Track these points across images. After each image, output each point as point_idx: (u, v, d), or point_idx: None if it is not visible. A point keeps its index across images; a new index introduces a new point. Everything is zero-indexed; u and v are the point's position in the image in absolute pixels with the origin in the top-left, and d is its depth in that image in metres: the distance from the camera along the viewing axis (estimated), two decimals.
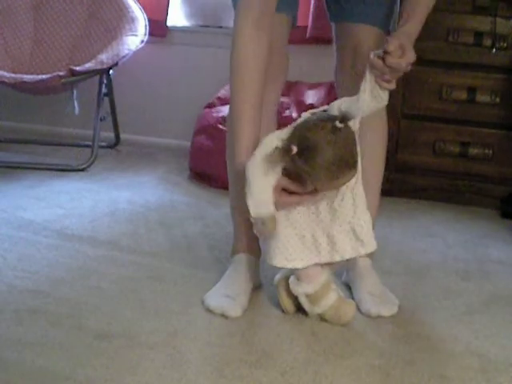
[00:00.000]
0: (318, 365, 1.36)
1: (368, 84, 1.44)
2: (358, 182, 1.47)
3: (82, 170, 2.71)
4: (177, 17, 3.18)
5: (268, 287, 1.69)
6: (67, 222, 2.12)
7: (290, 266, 1.50)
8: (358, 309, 1.60)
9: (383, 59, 1.41)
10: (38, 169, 2.69)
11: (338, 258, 1.50)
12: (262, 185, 1.40)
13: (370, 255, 1.75)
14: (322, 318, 1.54)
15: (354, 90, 1.59)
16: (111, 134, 3.07)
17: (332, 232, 1.48)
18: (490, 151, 2.53)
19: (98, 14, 2.99)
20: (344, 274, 1.77)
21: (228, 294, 1.59)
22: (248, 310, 1.58)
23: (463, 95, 2.50)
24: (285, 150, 1.38)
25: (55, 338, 1.41)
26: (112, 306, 1.57)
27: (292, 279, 1.54)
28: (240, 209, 1.66)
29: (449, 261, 2.01)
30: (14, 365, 1.30)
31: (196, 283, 1.71)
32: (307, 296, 1.52)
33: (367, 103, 1.44)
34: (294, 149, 1.37)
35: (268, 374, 1.31)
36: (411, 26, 1.52)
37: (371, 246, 1.52)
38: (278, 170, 1.41)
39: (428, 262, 1.99)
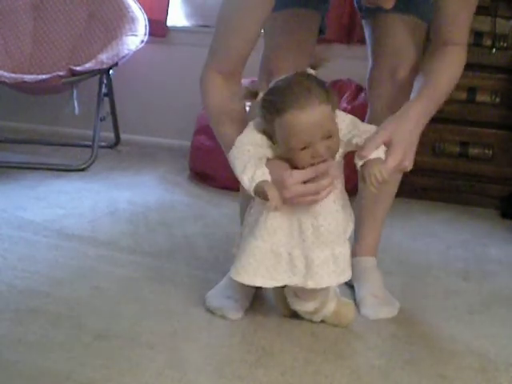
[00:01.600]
0: (318, 365, 1.36)
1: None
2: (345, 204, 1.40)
3: (82, 169, 2.71)
4: (177, 17, 3.18)
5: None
6: (67, 222, 2.12)
7: (258, 283, 1.41)
8: (358, 309, 1.60)
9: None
10: (38, 169, 2.69)
11: (311, 285, 1.38)
12: (250, 153, 1.34)
13: (375, 253, 1.75)
14: (322, 320, 1.54)
15: (394, 104, 1.52)
16: (111, 134, 3.07)
17: (312, 256, 1.38)
18: (490, 151, 2.53)
19: (98, 13, 2.99)
20: None
21: (230, 295, 1.57)
22: (248, 310, 1.58)
23: (463, 95, 2.50)
24: (251, 93, 1.36)
25: (55, 337, 1.41)
26: (112, 306, 1.57)
27: (290, 296, 1.49)
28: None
29: (449, 261, 2.01)
30: (13, 365, 1.30)
31: (196, 283, 1.71)
32: (307, 312, 1.51)
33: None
34: (261, 94, 1.34)
35: (268, 374, 1.31)
36: (417, 105, 1.38)
37: (348, 275, 1.42)
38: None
39: (428, 262, 1.99)
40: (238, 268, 1.41)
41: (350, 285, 1.72)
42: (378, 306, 1.60)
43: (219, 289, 1.62)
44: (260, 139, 1.36)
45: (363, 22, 1.67)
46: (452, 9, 1.43)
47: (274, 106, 1.31)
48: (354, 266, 1.69)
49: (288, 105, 1.29)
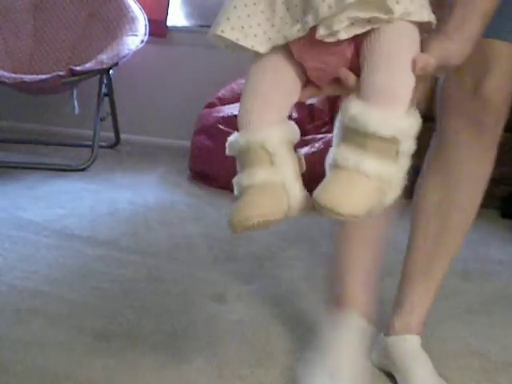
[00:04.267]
0: None
1: None
2: None
3: (82, 169, 2.71)
4: (177, 17, 3.18)
5: (269, 288, 1.69)
6: (67, 222, 2.12)
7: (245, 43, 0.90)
8: None
9: None
10: (38, 169, 2.69)
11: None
12: None
13: (423, 330, 1.35)
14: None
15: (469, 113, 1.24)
16: (111, 134, 3.07)
17: None
18: None
19: (98, 14, 2.99)
20: (373, 354, 1.37)
21: (331, 372, 1.22)
22: (248, 310, 1.58)
23: None
24: None
25: (55, 337, 1.41)
26: (112, 306, 1.57)
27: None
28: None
29: None
30: (14, 365, 1.30)
31: (196, 283, 1.71)
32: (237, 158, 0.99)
33: None
34: None
35: (268, 374, 1.31)
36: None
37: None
38: None
39: None
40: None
41: (388, 372, 1.36)
42: None
43: (315, 363, 1.26)
44: None
45: None
46: None
47: None
48: (390, 349, 1.34)
49: None
